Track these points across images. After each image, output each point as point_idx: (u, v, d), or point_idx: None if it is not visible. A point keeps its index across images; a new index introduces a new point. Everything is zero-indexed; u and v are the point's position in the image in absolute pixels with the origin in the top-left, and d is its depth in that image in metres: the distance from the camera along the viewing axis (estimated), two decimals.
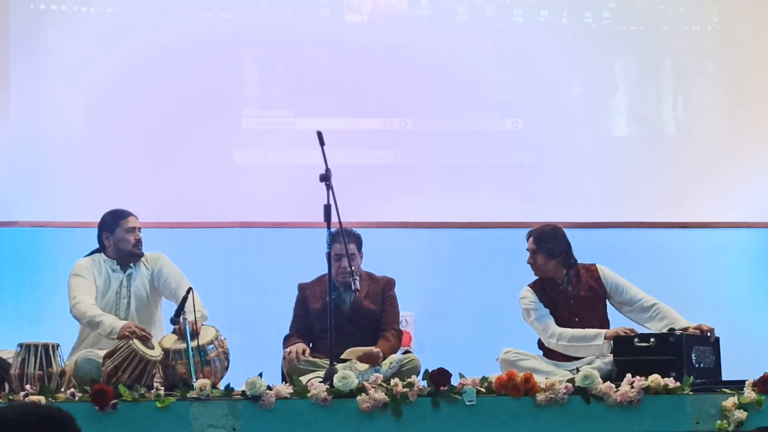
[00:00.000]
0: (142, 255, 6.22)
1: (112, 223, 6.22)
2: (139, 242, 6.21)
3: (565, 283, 6.33)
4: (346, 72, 7.82)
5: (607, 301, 6.37)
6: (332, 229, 5.91)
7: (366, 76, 7.81)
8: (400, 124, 7.83)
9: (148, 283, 6.22)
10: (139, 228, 6.24)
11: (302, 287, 6.40)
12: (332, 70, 7.83)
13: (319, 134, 5.87)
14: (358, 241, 6.35)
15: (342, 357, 5.99)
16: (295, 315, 6.40)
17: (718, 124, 8.00)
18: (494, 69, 7.89)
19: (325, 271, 5.97)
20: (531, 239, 6.37)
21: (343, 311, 6.28)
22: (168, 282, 6.18)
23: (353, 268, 5.99)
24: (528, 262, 6.35)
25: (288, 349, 6.07)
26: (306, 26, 7.77)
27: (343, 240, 6.06)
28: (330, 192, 5.84)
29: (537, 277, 6.39)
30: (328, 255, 5.87)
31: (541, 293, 6.32)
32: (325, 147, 5.86)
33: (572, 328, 6.19)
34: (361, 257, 6.39)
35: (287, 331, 6.35)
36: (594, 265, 6.42)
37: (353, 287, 5.96)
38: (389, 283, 6.41)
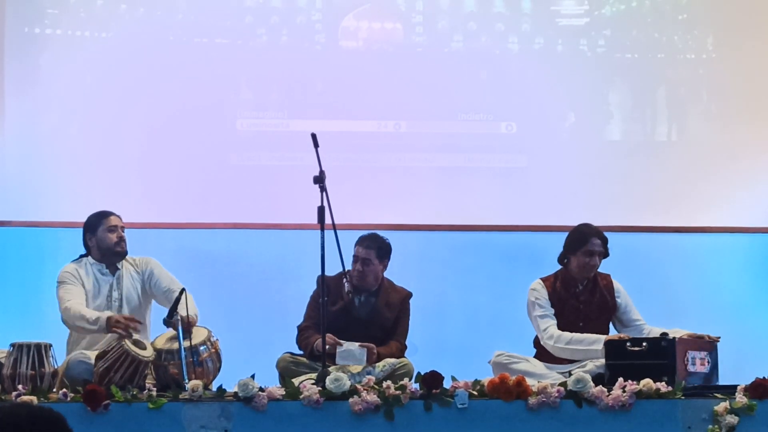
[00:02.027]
0: (125, 253, 6.22)
1: (95, 223, 6.23)
2: (121, 240, 6.20)
3: (582, 287, 6.32)
4: (341, 74, 7.83)
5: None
6: (365, 232, 6.46)
7: (360, 78, 7.81)
8: (394, 127, 7.84)
9: (138, 285, 6.22)
10: (122, 227, 6.25)
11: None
12: (327, 73, 7.83)
13: (314, 136, 5.88)
14: (380, 250, 6.39)
15: (338, 362, 6.01)
16: (314, 306, 6.36)
17: (711, 129, 8.01)
18: (489, 73, 7.90)
19: (320, 272, 5.97)
20: (601, 242, 6.28)
21: (361, 316, 6.30)
22: (159, 283, 6.19)
23: (358, 272, 6.24)
24: (594, 265, 6.28)
25: (328, 342, 6.01)
26: (301, 51, 7.77)
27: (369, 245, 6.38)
28: (324, 194, 5.85)
29: (553, 273, 6.36)
30: (323, 256, 5.87)
31: (553, 290, 6.29)
32: (319, 149, 5.87)
33: (574, 332, 6.18)
34: (384, 266, 6.41)
35: (277, 329, 6.37)
36: (609, 276, 6.42)
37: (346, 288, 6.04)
38: (407, 297, 6.48)
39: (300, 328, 6.35)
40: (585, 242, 6.29)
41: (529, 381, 5.51)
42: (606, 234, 6.43)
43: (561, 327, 6.21)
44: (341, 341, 6.07)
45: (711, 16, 8.04)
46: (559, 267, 6.42)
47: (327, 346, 5.98)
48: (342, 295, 6.28)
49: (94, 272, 6.19)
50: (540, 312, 6.24)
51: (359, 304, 6.32)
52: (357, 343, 6.09)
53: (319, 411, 5.30)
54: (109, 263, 6.22)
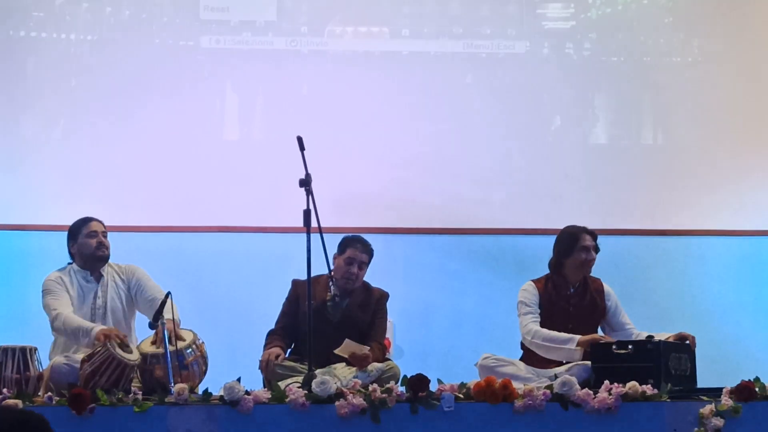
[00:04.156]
0: (107, 258, 6.20)
1: (75, 230, 6.23)
2: (101, 245, 6.17)
3: (573, 290, 6.33)
4: (327, 78, 7.83)
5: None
6: (350, 234, 6.40)
7: (347, 82, 7.81)
8: (381, 130, 7.83)
9: (123, 293, 6.20)
10: (104, 232, 6.22)
11: (297, 284, 6.33)
12: (312, 76, 7.84)
13: (299, 139, 5.87)
14: (371, 255, 6.40)
15: (336, 351, 5.99)
16: (284, 311, 6.37)
17: (696, 132, 8.04)
18: (474, 77, 7.92)
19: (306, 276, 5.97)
20: (591, 237, 6.34)
21: (334, 317, 6.28)
22: (144, 292, 6.17)
23: (352, 274, 6.20)
24: (591, 260, 6.33)
25: (261, 358, 6.07)
26: (287, 55, 7.78)
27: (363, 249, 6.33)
28: (310, 197, 5.84)
29: (544, 275, 6.37)
30: (309, 259, 5.86)
31: (544, 291, 6.29)
32: (305, 152, 5.86)
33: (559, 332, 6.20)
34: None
35: (263, 333, 6.34)
36: (599, 279, 6.43)
37: (334, 296, 6.03)
38: (383, 297, 6.42)
39: (268, 332, 6.35)
40: (577, 240, 6.32)
41: (516, 384, 5.51)
42: None
43: (550, 329, 6.21)
44: (286, 360, 6.08)
45: (696, 20, 8.07)
46: (547, 270, 6.43)
47: (276, 359, 6.00)
48: (317, 298, 6.25)
49: (78, 279, 6.17)
50: (525, 310, 6.26)
51: (332, 306, 6.27)
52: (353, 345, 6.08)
53: (306, 414, 5.29)
54: (93, 269, 6.21)
